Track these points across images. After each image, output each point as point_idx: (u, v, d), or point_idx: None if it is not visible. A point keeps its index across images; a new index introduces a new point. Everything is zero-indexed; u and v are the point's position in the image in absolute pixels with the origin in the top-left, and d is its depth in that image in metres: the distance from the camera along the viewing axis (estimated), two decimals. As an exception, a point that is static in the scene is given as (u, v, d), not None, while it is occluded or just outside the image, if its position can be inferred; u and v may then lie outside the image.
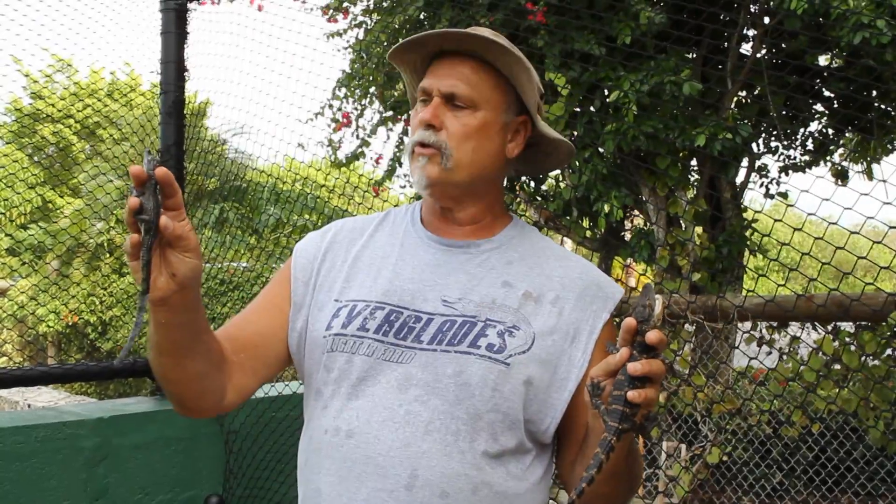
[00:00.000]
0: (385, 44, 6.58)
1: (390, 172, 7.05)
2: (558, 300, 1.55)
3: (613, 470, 1.35)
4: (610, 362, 1.31)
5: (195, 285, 1.38)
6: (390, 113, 7.07)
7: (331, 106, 7.14)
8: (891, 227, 2.50)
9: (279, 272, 1.70)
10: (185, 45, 3.74)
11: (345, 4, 7.01)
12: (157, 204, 1.27)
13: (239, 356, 1.57)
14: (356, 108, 7.22)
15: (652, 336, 1.25)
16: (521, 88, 1.60)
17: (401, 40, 1.62)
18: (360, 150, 7.15)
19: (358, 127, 7.15)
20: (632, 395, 1.26)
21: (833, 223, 2.59)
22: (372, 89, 7.07)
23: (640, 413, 1.30)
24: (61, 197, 12.71)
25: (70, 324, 13.12)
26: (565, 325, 1.54)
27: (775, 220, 2.80)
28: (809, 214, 2.65)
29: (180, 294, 1.35)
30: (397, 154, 6.98)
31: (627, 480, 1.48)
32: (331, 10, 6.93)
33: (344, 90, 7.11)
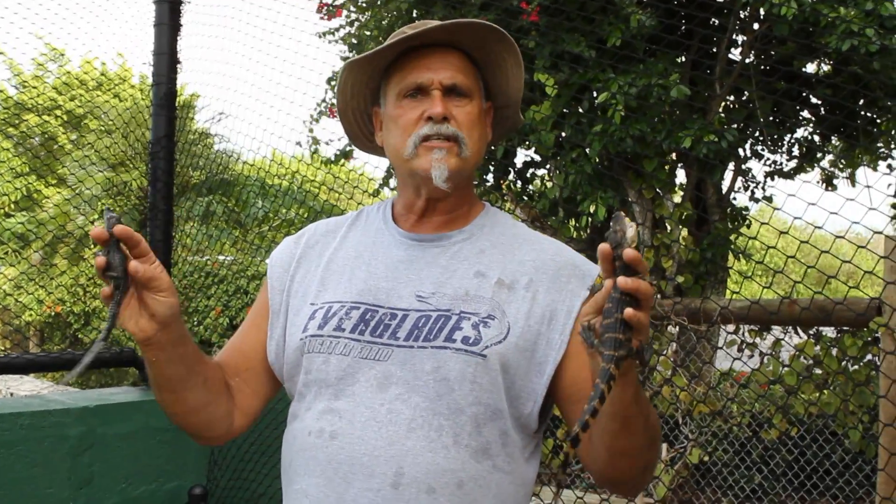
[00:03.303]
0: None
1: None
2: (531, 284, 1.54)
3: (625, 416, 1.33)
4: (597, 299, 1.26)
5: (176, 321, 1.44)
6: None
7: (326, 101, 7.07)
8: (875, 233, 2.54)
9: (260, 290, 1.73)
10: (179, 37, 3.74)
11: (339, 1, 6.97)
12: (123, 258, 1.35)
13: (235, 380, 1.63)
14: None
15: (629, 253, 1.20)
16: (508, 73, 1.65)
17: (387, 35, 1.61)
18: (349, 147, 7.06)
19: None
20: (628, 312, 1.20)
21: (819, 227, 2.62)
22: None
23: (635, 338, 1.24)
24: (47, 186, 12.62)
25: (53, 314, 13.05)
26: (540, 308, 1.52)
27: (761, 224, 2.83)
28: (795, 218, 2.68)
29: (163, 332, 1.43)
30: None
31: (644, 431, 1.40)
32: (325, 9, 6.89)
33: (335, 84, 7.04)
